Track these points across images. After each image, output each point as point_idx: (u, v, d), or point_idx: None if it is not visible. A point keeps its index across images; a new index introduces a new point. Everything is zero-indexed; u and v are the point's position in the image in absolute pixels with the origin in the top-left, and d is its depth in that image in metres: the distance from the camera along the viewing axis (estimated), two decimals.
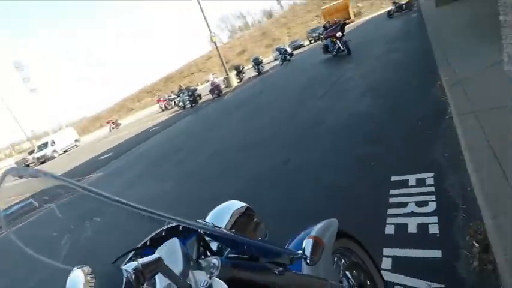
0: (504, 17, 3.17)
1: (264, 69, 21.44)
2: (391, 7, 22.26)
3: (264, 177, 3.90)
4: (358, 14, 49.11)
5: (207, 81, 20.86)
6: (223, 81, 21.66)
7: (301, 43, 35.83)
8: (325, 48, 13.03)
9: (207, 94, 19.68)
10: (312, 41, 33.98)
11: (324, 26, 31.56)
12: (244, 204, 0.97)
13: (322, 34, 28.66)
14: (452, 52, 5.30)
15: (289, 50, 22.89)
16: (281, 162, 4.16)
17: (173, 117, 17.76)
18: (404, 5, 21.00)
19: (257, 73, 21.31)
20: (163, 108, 27.34)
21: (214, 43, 20.87)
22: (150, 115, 28.17)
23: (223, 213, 0.93)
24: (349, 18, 39.95)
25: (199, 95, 19.48)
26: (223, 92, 18.58)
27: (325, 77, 9.38)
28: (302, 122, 5.74)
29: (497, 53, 3.69)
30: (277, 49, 24.76)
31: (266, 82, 15.52)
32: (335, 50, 12.06)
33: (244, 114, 9.08)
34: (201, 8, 20.07)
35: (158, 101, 29.91)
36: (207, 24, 20.23)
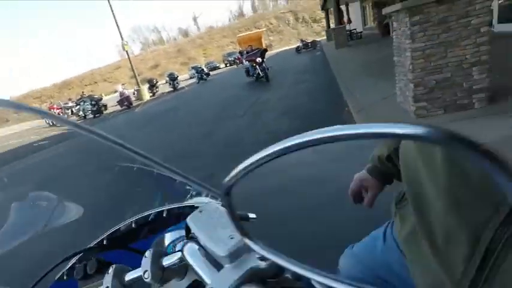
0: (397, 58, 3.91)
1: (180, 86, 20.99)
2: (299, 44, 25.10)
3: None
4: (269, 46, 53.58)
5: (115, 91, 19.03)
6: (134, 94, 20.23)
7: (217, 65, 36.75)
8: (247, 72, 13.15)
9: (115, 105, 17.99)
10: (228, 65, 35.20)
11: (240, 52, 33.18)
12: None
13: (237, 59, 30.50)
14: (354, 86, 6.22)
15: (205, 70, 23.14)
16: None
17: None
18: (309, 44, 24.06)
19: (172, 89, 20.66)
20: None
21: (126, 52, 19.42)
22: (36, 128, 23.82)
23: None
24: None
25: (105, 105, 17.60)
26: (134, 104, 17.30)
27: (243, 98, 9.69)
28: (218, 141, 5.63)
29: (390, 88, 4.51)
30: (193, 67, 24.74)
31: (181, 98, 15.15)
32: (255, 75, 12.13)
33: (158, 129, 8.54)
34: (112, 12, 18.64)
35: (50, 108, 25.68)
36: (119, 31, 18.81)
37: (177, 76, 21.71)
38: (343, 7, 17.89)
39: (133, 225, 0.73)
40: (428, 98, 3.49)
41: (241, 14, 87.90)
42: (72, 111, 21.17)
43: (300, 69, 13.01)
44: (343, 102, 5.51)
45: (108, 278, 0.48)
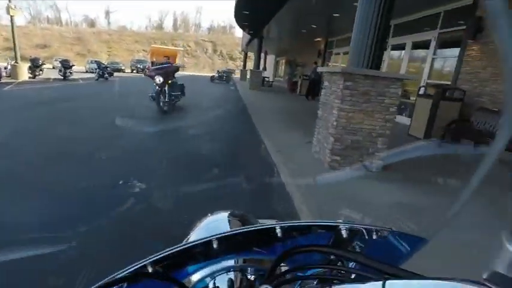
0: (322, 112, 4.37)
1: (71, 77, 18.10)
2: (214, 74, 25.71)
3: None
4: (182, 68, 52.96)
5: None
6: (6, 68, 16.26)
7: (122, 67, 33.64)
8: (152, 97, 8.27)
9: None
10: (135, 71, 32.76)
11: (152, 62, 31.59)
12: (228, 211, 0.86)
13: (147, 69, 28.77)
14: (270, 128, 6.60)
15: (109, 68, 20.83)
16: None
17: None
18: (224, 76, 24.94)
19: (62, 77, 17.60)
20: None
21: (11, 17, 15.79)
22: None
23: (221, 224, 0.80)
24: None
25: None
26: (1, 81, 13.82)
27: (149, 112, 8.86)
28: (104, 169, 3.86)
29: (302, 137, 4.95)
30: (95, 61, 22.02)
31: (71, 91, 13.02)
32: (161, 103, 8.00)
33: (31, 123, 6.94)
34: None
35: None
36: None
37: (73, 65, 18.77)
38: (262, 54, 19.54)
39: (215, 245, 0.54)
40: (342, 154, 3.95)
41: (160, 26, 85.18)
42: None
43: (217, 101, 13.16)
44: (261, 141, 5.72)
45: None
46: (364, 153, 3.97)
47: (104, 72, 19.19)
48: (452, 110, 6.20)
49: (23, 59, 18.02)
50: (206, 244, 0.52)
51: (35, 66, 17.08)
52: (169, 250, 0.49)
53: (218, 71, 25.83)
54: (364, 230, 0.52)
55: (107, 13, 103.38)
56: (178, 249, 0.50)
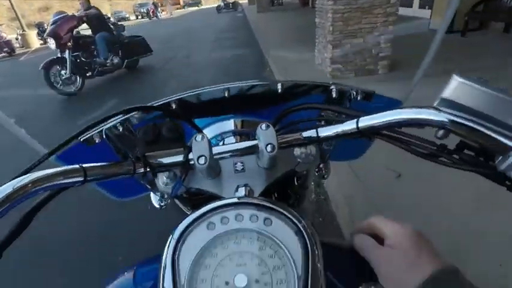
0: (319, 19, 4.04)
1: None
2: (220, 3, 23.96)
3: None
4: (187, 3, 49.81)
5: None
6: (17, 39, 16.44)
7: (127, 16, 32.47)
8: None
9: None
10: (139, 17, 31.53)
11: (153, 3, 29.93)
12: None
13: (151, 12, 27.51)
14: (276, 48, 6.31)
15: (112, 19, 20.18)
16: None
17: None
18: (231, 4, 23.22)
19: None
20: None
21: None
22: None
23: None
24: (179, 3, 40.03)
25: None
26: (17, 52, 14.12)
27: (165, 51, 8.82)
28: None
29: (308, 52, 4.72)
30: None
31: None
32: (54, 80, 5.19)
33: None
34: None
35: None
36: None
37: None
38: None
39: (225, 94, 0.63)
40: (343, 61, 3.75)
41: None
42: None
43: (223, 27, 12.54)
44: (265, 62, 5.55)
45: (199, 147, 0.42)
46: (367, 57, 3.73)
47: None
48: None
49: (30, 26, 18.00)
50: (216, 93, 0.62)
51: (42, 31, 17.02)
52: (188, 93, 0.60)
53: (223, 0, 23.99)
54: (351, 91, 0.56)
55: None
56: (194, 93, 0.61)
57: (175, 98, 0.62)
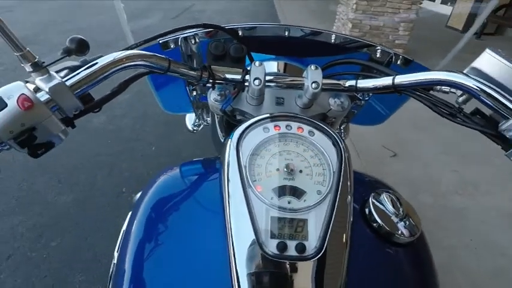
0: None
1: None
2: None
3: None
4: None
5: None
6: None
7: None
8: None
9: None
10: None
11: None
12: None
13: None
14: (291, 18, 6.22)
15: None
16: None
17: None
18: None
19: None
20: None
21: None
22: None
23: None
24: None
25: None
26: None
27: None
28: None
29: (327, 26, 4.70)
30: None
31: None
32: None
33: (63, 7, 6.96)
34: None
35: None
36: None
37: None
38: None
39: (286, 34, 0.70)
40: None
41: None
42: None
43: None
44: None
45: (257, 70, 0.50)
46: (384, 41, 3.79)
47: None
48: None
49: None
50: (277, 30, 0.70)
51: None
52: (253, 24, 0.68)
53: None
54: (393, 54, 0.64)
55: None
56: (259, 25, 0.69)
57: (242, 26, 0.70)
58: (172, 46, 0.62)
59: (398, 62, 0.64)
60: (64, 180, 1.92)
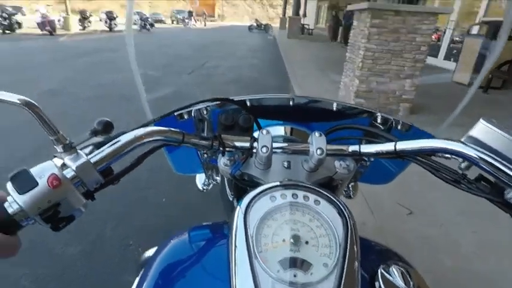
0: (350, 54, 4.28)
1: (117, 28, 18.83)
2: (252, 23, 24.91)
3: None
4: (221, 16, 51.69)
5: (36, 10, 15.90)
6: (59, 21, 17.32)
7: (163, 19, 33.88)
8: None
9: (34, 27, 15.14)
10: (175, 22, 32.79)
11: (189, 11, 31.37)
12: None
13: (186, 19, 28.70)
14: (301, 74, 6.57)
15: (150, 19, 21.21)
16: None
17: None
18: (263, 26, 24.16)
19: (108, 29, 18.40)
20: None
21: None
22: None
23: None
24: (214, 16, 41.67)
25: (19, 23, 14.67)
26: (57, 32, 14.87)
27: (193, 59, 9.25)
28: (167, 98, 5.41)
29: (332, 83, 4.92)
30: (137, 13, 22.36)
31: (118, 41, 13.62)
32: None
33: (90, 65, 7.61)
34: None
35: None
36: None
37: (116, 17, 19.37)
38: (302, 0, 18.31)
39: (290, 103, 0.75)
40: (367, 97, 3.94)
41: None
42: None
43: (253, 45, 12.99)
44: (291, 88, 5.79)
45: (264, 139, 0.52)
46: (391, 96, 3.92)
47: (145, 23, 19.64)
48: (506, 50, 5.57)
49: (73, 12, 19.01)
50: (282, 100, 0.75)
51: (84, 17, 17.96)
52: (260, 96, 0.73)
53: (256, 20, 25.04)
54: (392, 120, 0.67)
55: None
56: (264, 96, 0.74)
57: (250, 97, 0.75)
58: (186, 117, 0.68)
59: (399, 127, 0.66)
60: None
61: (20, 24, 14.73)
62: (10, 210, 0.36)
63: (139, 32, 18.85)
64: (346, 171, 0.58)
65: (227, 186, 0.84)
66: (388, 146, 0.51)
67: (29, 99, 0.37)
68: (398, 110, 3.97)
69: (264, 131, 0.53)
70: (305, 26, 19.19)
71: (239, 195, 0.51)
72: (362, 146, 0.55)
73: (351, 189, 0.99)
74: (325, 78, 6.02)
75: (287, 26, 17.85)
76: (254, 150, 0.55)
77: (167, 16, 36.65)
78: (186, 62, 8.20)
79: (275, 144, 0.56)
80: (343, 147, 0.56)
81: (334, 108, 0.74)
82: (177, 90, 5.42)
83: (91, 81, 5.84)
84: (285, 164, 0.58)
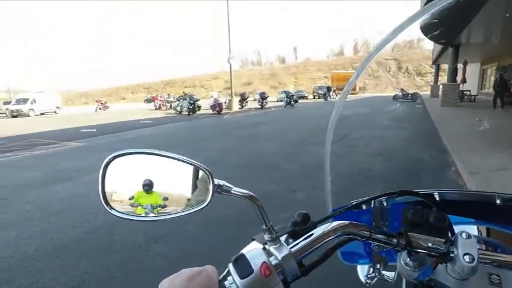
0: None
1: (267, 105, 21.90)
2: (398, 92, 23.95)
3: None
4: (363, 89, 52.46)
5: (211, 96, 20.80)
6: (225, 102, 21.84)
7: (306, 95, 37.35)
8: None
9: (206, 108, 19.65)
10: (316, 97, 35.47)
11: (328, 87, 33.56)
12: None
13: (326, 94, 30.58)
14: (464, 149, 5.52)
15: (295, 96, 23.78)
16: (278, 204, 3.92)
17: (166, 118, 17.39)
18: (410, 95, 22.74)
19: (260, 106, 21.64)
20: (157, 107, 26.92)
21: (230, 65, 21.28)
22: (141, 110, 27.39)
23: None
24: (355, 89, 42.81)
25: (199, 106, 19.37)
26: (223, 111, 18.63)
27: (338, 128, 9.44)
28: (304, 162, 5.59)
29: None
30: (284, 91, 25.59)
31: (268, 116, 15.68)
32: None
33: (242, 138, 8.94)
34: (229, 29, 20.75)
35: (154, 98, 29.59)
36: (229, 45, 20.78)
37: (267, 96, 22.69)
38: (460, 65, 16.45)
39: (497, 201, 0.65)
40: None
41: (340, 53, 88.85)
42: (171, 105, 23.93)
43: (401, 117, 12.28)
44: (455, 179, 4.91)
45: (466, 244, 0.45)
46: None
47: (290, 100, 22.15)
48: None
49: (235, 94, 23.74)
50: (476, 196, 0.70)
51: (243, 99, 22.01)
52: (450, 190, 0.69)
53: (402, 90, 23.96)
54: None
55: (295, 49, 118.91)
56: (456, 191, 0.69)
57: (438, 191, 0.67)
58: (364, 207, 0.67)
59: None
60: None
61: (199, 107, 19.40)
62: None
63: (284, 108, 21.18)
64: None
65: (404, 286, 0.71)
66: None
67: (252, 194, 0.44)
68: None
69: (464, 234, 0.46)
70: (465, 92, 16.91)
71: None
72: None
73: None
74: (503, 161, 4.81)
75: (440, 93, 16.14)
76: (452, 255, 0.47)
77: (309, 92, 40.21)
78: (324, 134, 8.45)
79: (481, 252, 0.46)
80: None
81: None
82: (318, 166, 5.52)
83: (244, 150, 6.84)
84: (492, 277, 0.48)
